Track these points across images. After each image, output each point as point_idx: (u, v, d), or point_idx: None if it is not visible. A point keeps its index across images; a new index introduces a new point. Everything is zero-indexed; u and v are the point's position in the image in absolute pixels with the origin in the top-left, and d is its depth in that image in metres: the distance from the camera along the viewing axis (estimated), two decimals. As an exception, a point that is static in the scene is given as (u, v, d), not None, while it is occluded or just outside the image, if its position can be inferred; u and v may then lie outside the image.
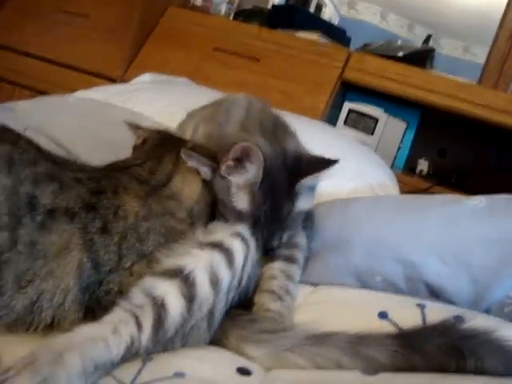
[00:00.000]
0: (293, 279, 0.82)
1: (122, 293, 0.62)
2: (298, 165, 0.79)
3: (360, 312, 0.78)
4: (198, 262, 0.62)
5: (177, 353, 0.61)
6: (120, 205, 0.64)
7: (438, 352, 0.65)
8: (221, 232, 0.68)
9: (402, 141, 1.94)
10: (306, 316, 0.79)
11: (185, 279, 0.61)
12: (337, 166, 1.20)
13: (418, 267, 0.89)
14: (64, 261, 0.59)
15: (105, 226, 0.62)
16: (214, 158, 0.76)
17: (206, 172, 0.76)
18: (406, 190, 1.62)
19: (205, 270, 0.62)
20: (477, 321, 0.71)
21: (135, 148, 0.81)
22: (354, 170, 1.24)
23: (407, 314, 0.75)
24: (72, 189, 0.62)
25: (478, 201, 0.96)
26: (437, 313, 0.74)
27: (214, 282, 0.62)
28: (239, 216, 0.75)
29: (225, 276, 0.64)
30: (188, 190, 0.73)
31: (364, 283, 0.91)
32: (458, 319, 0.72)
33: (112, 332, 0.56)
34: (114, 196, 0.65)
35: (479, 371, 0.63)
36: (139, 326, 0.58)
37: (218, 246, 0.65)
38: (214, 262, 0.63)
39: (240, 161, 0.75)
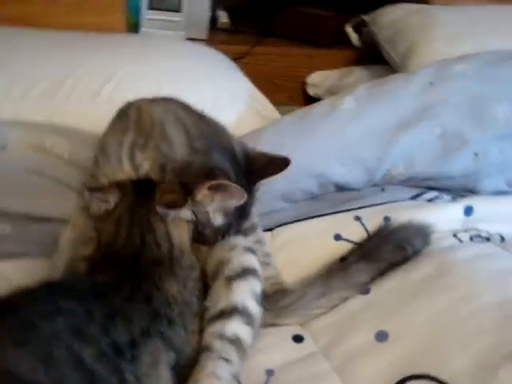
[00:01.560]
0: (263, 242, 0.99)
1: (196, 350, 0.75)
2: (253, 166, 0.88)
3: (319, 241, 1.01)
4: (243, 294, 0.78)
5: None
6: (167, 295, 0.72)
7: (389, 254, 0.95)
8: (234, 256, 0.82)
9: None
10: (280, 261, 1.00)
11: (242, 313, 0.77)
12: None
13: (327, 175, 1.16)
14: (160, 368, 0.68)
15: (170, 321, 0.70)
16: (183, 192, 0.80)
17: (186, 214, 0.81)
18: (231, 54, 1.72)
19: (250, 296, 0.78)
20: (399, 214, 1.02)
21: (107, 216, 0.79)
22: (226, 91, 1.35)
23: (353, 229, 1.02)
24: (133, 312, 0.67)
25: (348, 103, 1.20)
26: (370, 219, 1.03)
27: (257, 299, 0.80)
28: (216, 229, 0.85)
29: (259, 288, 0.81)
30: (184, 234, 0.81)
31: (288, 200, 1.16)
32: (387, 219, 1.02)
33: (218, 379, 0.72)
34: (160, 292, 0.72)
35: (414, 254, 0.96)
36: (230, 362, 0.74)
37: (246, 271, 0.80)
38: (252, 286, 0.79)
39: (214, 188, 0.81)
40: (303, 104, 1.91)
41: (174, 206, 0.78)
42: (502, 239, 1.03)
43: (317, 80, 1.91)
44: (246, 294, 0.79)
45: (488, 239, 1.03)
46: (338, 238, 1.02)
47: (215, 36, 2.04)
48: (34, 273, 0.90)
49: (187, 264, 0.79)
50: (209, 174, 0.81)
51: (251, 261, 0.83)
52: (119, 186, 0.81)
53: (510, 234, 1.04)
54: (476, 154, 1.22)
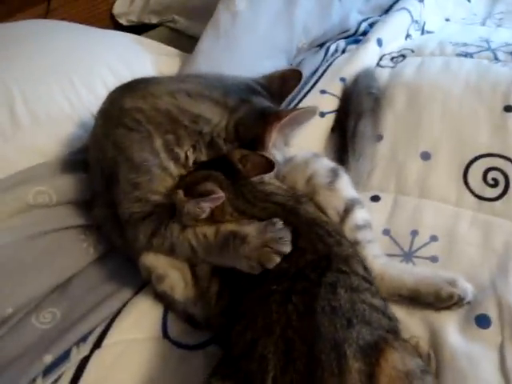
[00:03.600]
0: None
1: None
2: (272, 90, 0.88)
3: (312, 125, 1.09)
4: (345, 188, 0.87)
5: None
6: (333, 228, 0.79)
7: (368, 102, 1.12)
8: (315, 167, 0.88)
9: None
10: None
11: (355, 200, 0.86)
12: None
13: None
14: None
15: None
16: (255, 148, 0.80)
17: None
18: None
19: (349, 186, 0.88)
20: (345, 71, 1.20)
21: (218, 213, 0.75)
22: (122, 52, 1.23)
23: (327, 102, 1.15)
24: (348, 254, 0.73)
25: (239, 4, 1.24)
26: (331, 86, 1.17)
27: (351, 183, 0.90)
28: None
29: (346, 175, 0.90)
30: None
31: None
32: (343, 79, 1.18)
33: (378, 257, 0.84)
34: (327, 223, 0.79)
35: (379, 93, 1.14)
36: (373, 239, 0.85)
37: (332, 171, 0.88)
38: (344, 177, 0.88)
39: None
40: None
41: (264, 170, 0.78)
42: (412, 51, 1.27)
43: (124, 8, 1.79)
44: (346, 186, 0.88)
45: (403, 56, 1.26)
46: (322, 115, 1.14)
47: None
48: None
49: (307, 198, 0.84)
50: (266, 117, 0.80)
51: (326, 161, 0.91)
52: (206, 178, 0.76)
53: (413, 45, 1.30)
54: (340, 0, 1.41)
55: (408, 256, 0.89)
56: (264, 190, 0.79)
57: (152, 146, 0.78)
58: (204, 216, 0.74)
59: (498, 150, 0.98)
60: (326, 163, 0.90)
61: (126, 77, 1.09)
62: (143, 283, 0.87)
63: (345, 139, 1.08)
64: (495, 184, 0.95)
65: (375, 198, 1.00)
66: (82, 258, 0.94)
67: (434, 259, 0.88)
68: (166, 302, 0.83)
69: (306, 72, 1.24)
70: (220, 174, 0.77)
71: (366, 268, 0.72)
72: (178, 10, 1.60)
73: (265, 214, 0.74)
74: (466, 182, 0.97)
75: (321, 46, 1.41)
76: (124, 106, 0.81)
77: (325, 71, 1.22)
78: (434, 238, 0.91)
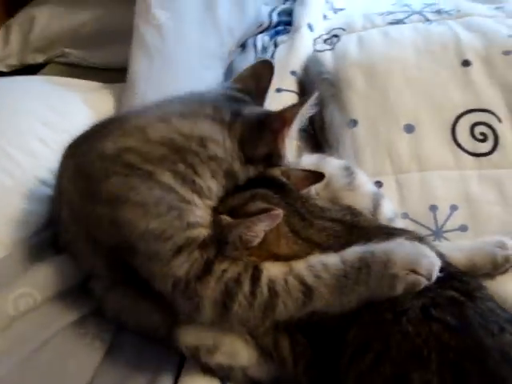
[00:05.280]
0: None
1: None
2: (247, 90, 0.79)
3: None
4: (366, 183, 0.83)
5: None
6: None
7: (323, 89, 1.06)
8: (330, 170, 0.81)
9: None
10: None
11: (378, 194, 0.83)
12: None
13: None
14: None
15: None
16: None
17: None
18: None
19: (368, 181, 0.85)
20: (293, 59, 1.15)
21: (275, 237, 0.63)
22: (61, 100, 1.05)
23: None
24: None
25: (161, 17, 1.09)
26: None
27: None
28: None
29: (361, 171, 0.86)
30: None
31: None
32: (294, 73, 1.11)
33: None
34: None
35: (331, 76, 1.09)
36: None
37: (346, 169, 0.83)
38: (360, 173, 0.84)
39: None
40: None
41: (314, 179, 0.72)
42: (343, 29, 1.23)
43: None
44: (365, 181, 0.83)
45: (336, 36, 1.21)
46: (279, 90, 1.07)
47: None
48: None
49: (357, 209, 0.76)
50: (269, 125, 0.71)
51: (335, 161, 0.84)
52: (253, 197, 0.65)
53: (340, 24, 1.26)
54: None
55: (438, 233, 0.86)
56: (316, 204, 0.70)
57: (159, 182, 0.64)
58: (257, 242, 0.61)
59: (473, 104, 0.98)
60: (337, 163, 0.84)
61: (63, 125, 0.94)
62: (180, 359, 0.71)
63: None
64: (484, 138, 0.95)
65: (377, 185, 0.94)
66: (89, 358, 0.74)
67: (463, 228, 0.86)
68: (221, 374, 0.68)
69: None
70: (267, 191, 0.67)
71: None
72: (67, 42, 1.38)
73: (327, 238, 0.65)
74: (457, 143, 0.96)
75: (242, 46, 1.32)
76: (105, 153, 0.65)
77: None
78: (454, 208, 0.88)
